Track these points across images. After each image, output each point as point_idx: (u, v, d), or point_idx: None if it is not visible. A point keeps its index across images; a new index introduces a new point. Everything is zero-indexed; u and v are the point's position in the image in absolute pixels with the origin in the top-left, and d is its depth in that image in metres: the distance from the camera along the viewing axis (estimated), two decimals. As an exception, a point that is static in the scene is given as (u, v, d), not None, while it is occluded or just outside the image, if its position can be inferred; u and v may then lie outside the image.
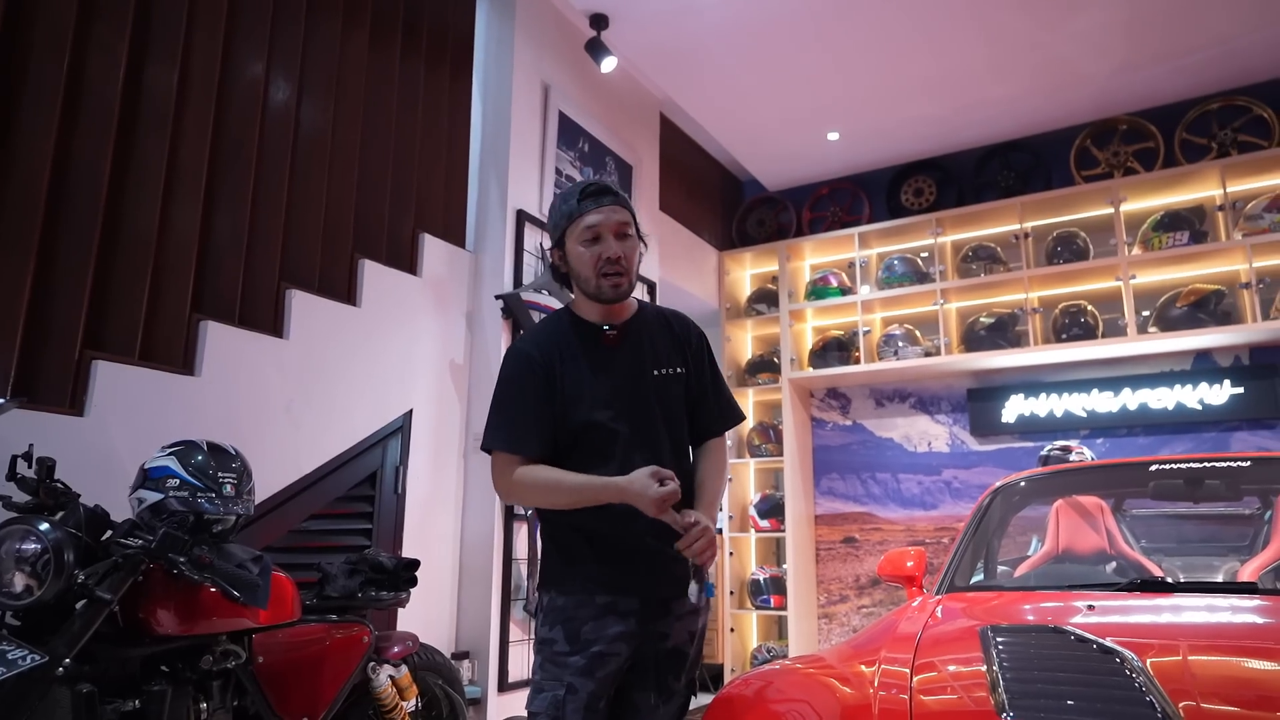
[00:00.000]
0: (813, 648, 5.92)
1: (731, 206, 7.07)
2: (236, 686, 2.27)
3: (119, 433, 2.58)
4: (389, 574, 2.72)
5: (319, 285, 3.41)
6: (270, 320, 3.21)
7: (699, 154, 6.66)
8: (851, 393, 6.41)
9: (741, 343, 6.76)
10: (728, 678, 5.84)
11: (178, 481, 2.12)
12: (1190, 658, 1.55)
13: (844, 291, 6.19)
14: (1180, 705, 1.30)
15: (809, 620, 6.11)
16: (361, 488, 3.45)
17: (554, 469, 1.89)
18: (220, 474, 2.20)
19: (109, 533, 2.02)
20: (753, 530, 6.23)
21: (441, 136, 4.19)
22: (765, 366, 6.46)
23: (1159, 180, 5.42)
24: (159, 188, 2.83)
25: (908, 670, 1.59)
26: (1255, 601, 1.92)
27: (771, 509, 6.16)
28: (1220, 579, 2.52)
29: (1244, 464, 2.58)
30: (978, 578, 2.60)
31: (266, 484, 2.97)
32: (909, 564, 2.70)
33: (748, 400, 6.63)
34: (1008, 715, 1.38)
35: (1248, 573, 2.22)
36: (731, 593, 6.20)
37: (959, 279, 5.82)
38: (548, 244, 2.09)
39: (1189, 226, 5.26)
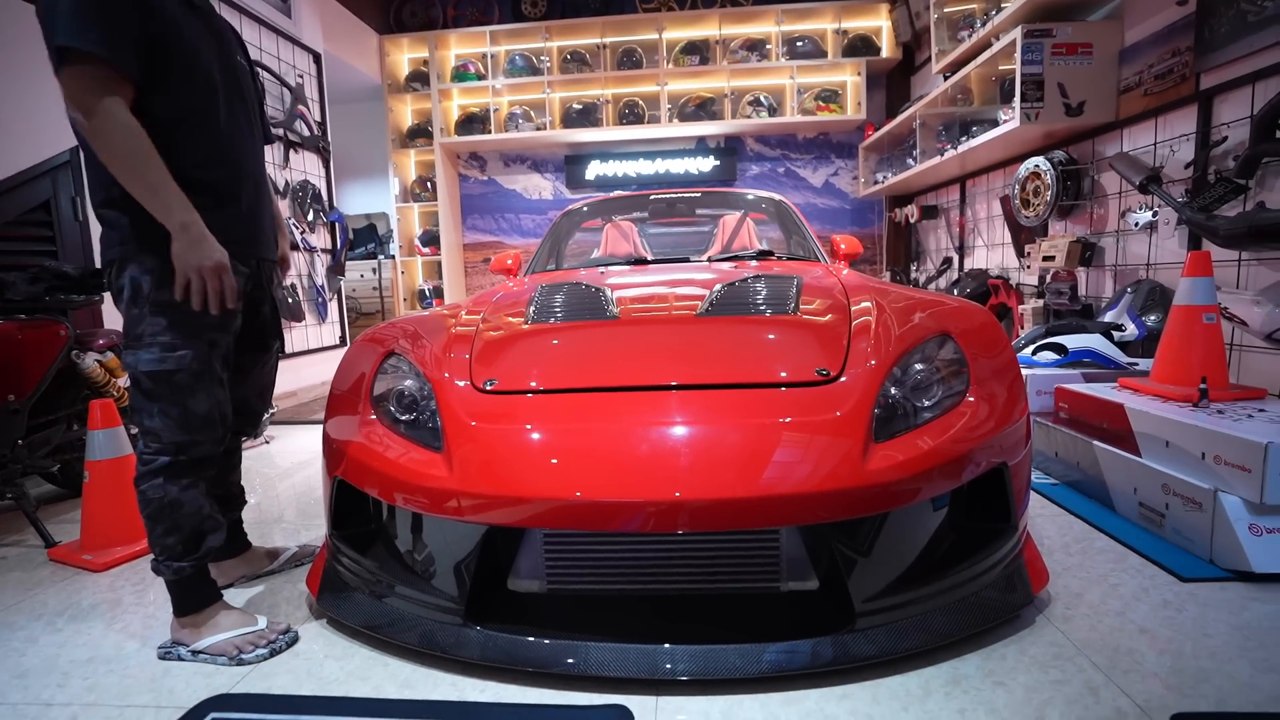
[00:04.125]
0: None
1: (388, -5, 5.92)
2: (-76, 375, 1.77)
3: None
4: (75, 281, 2.19)
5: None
6: None
7: (354, -60, 5.35)
8: (487, 156, 6.12)
9: (403, 114, 6.01)
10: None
11: None
12: (633, 288, 1.86)
13: (480, 77, 5.68)
14: (620, 307, 1.58)
15: (462, 314, 6.18)
16: (36, 214, 2.64)
17: (148, 139, 1.14)
18: None
19: None
20: (418, 255, 5.98)
21: None
22: (421, 133, 5.86)
23: (686, 18, 5.52)
24: None
25: (484, 310, 1.70)
26: (691, 268, 2.29)
27: (431, 239, 5.92)
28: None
29: (695, 195, 2.96)
30: (551, 267, 2.78)
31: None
32: (509, 262, 2.80)
33: (410, 160, 6.05)
34: (529, 321, 1.58)
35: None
36: (405, 299, 6.03)
37: (561, 74, 5.60)
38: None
39: (700, 53, 5.52)
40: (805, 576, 1.20)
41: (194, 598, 1.29)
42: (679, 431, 1.17)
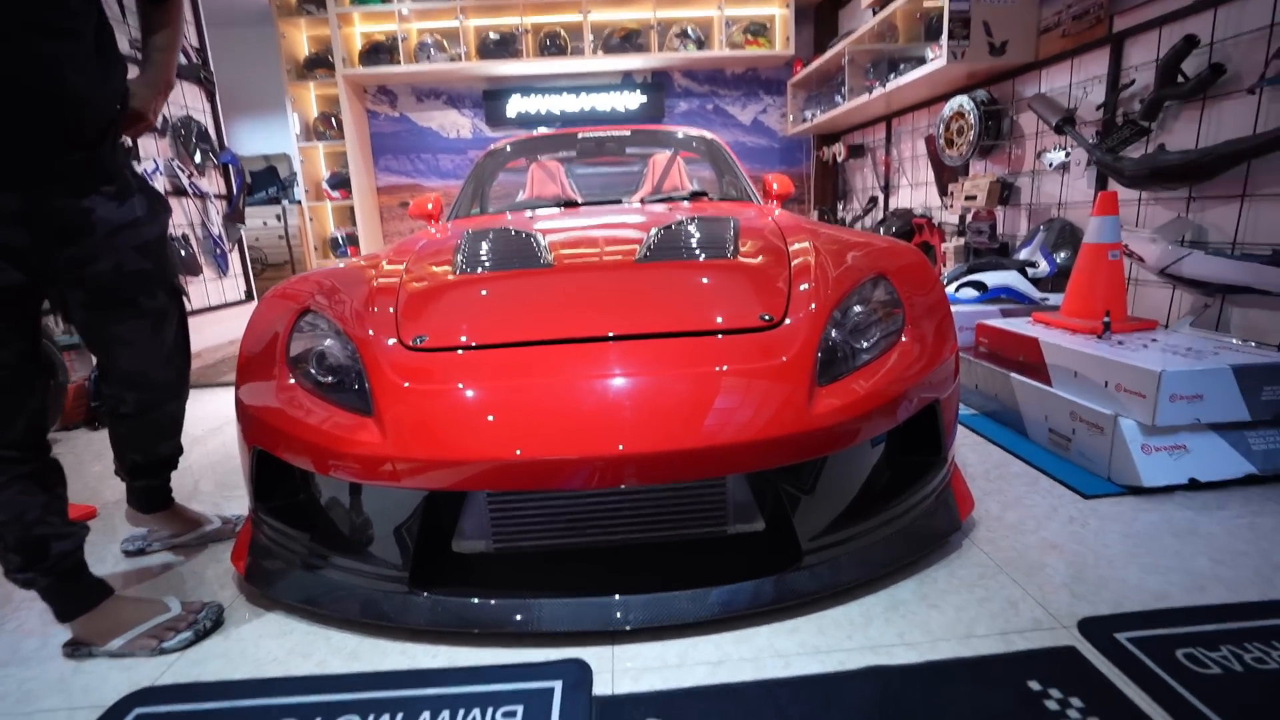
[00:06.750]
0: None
1: (269, -100, 5.25)
2: None
3: None
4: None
5: None
6: None
7: None
8: (398, 90, 5.68)
9: (297, 41, 5.45)
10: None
11: None
12: (566, 233, 1.80)
13: (384, 0, 5.19)
14: (554, 254, 1.52)
15: (380, 263, 5.85)
16: None
17: None
18: None
19: None
20: (327, 200, 5.57)
21: None
22: (321, 63, 5.35)
23: (609, -63, 5.21)
24: None
25: (407, 260, 1.60)
26: (624, 210, 2.23)
27: (340, 182, 5.50)
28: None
29: (625, 133, 2.86)
30: (476, 211, 2.64)
31: None
32: (429, 206, 2.63)
33: (310, 94, 5.54)
34: (458, 271, 1.49)
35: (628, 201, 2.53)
36: (316, 248, 5.64)
37: None
38: None
39: (625, -22, 5.24)
40: (751, 519, 1.23)
41: (74, 603, 1.13)
42: (622, 383, 1.15)
